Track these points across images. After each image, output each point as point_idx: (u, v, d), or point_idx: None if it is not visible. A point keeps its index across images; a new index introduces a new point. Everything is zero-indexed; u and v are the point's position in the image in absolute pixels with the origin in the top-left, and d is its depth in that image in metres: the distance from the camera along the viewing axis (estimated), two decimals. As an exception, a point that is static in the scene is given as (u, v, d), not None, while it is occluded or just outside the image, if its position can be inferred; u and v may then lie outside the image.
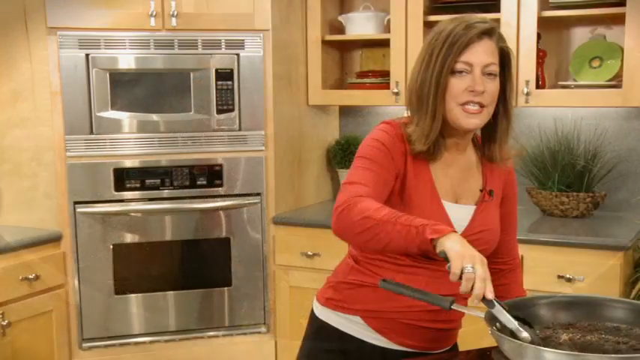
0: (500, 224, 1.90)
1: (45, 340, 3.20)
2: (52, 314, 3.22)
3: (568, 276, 2.90)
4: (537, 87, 3.28)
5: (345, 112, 3.97)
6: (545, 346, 1.42)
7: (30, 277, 3.09)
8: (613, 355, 1.37)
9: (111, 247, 3.30)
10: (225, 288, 3.44)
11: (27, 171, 3.28)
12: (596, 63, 3.29)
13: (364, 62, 3.84)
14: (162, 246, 3.37)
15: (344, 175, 3.81)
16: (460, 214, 1.81)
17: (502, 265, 1.99)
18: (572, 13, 3.18)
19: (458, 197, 1.84)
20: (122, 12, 3.22)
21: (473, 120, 1.73)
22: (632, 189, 3.38)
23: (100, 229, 3.27)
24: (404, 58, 3.41)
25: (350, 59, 3.93)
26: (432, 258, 1.73)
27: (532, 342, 1.41)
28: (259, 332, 3.48)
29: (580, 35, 3.42)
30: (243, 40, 3.34)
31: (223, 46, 3.32)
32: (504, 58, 1.77)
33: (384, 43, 3.53)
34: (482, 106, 1.72)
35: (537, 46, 3.28)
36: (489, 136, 1.84)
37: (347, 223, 1.62)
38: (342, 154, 3.79)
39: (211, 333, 3.42)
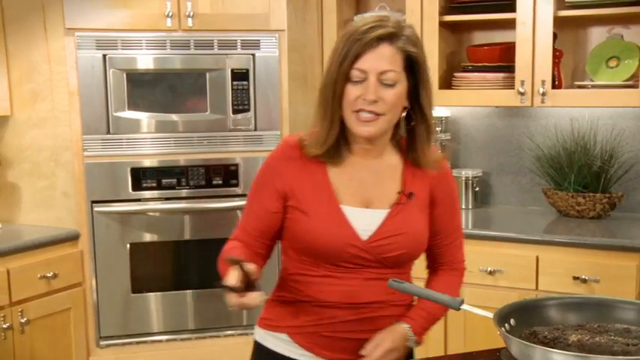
0: (431, 227, 1.85)
1: (63, 338, 3.24)
2: (70, 312, 3.25)
3: (583, 277, 2.88)
4: (554, 87, 3.26)
5: (362, 112, 3.96)
6: (553, 347, 1.42)
7: (48, 275, 3.12)
8: (621, 357, 1.37)
9: (128, 246, 3.32)
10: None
11: (46, 170, 3.31)
12: (613, 63, 3.27)
13: (380, 62, 3.84)
14: (178, 245, 3.39)
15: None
16: (369, 218, 1.76)
17: (445, 267, 1.93)
18: (589, 12, 3.16)
19: (369, 202, 1.78)
20: (139, 13, 3.24)
21: (366, 128, 1.70)
22: (649, 190, 3.36)
23: (117, 228, 3.30)
24: (419, 58, 3.40)
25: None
26: (355, 263, 1.74)
27: None
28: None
29: (597, 35, 3.40)
30: (258, 40, 3.35)
31: (239, 47, 3.34)
32: (413, 63, 1.71)
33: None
34: (377, 114, 1.68)
35: (553, 45, 3.26)
36: (410, 143, 1.80)
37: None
38: (357, 154, 3.78)
39: (228, 332, 3.43)
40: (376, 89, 1.66)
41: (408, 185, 1.81)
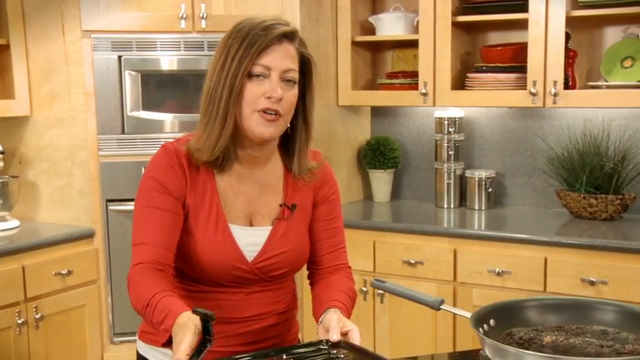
0: (316, 234, 1.80)
1: (77, 334, 3.30)
2: (84, 309, 3.32)
3: (591, 279, 2.86)
4: (567, 87, 3.24)
5: (377, 112, 3.98)
6: (527, 349, 1.42)
7: (63, 272, 3.19)
8: (594, 359, 1.36)
9: (141, 244, 3.37)
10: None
11: (63, 169, 3.38)
12: (628, 63, 3.23)
13: (395, 63, 3.85)
14: (191, 244, 3.43)
15: (374, 175, 3.83)
16: (253, 237, 1.70)
17: (328, 270, 1.82)
18: (602, 12, 3.13)
19: (252, 217, 1.72)
20: (153, 15, 3.30)
21: (269, 129, 1.62)
22: (664, 191, 3.31)
23: (130, 226, 3.34)
24: (432, 59, 3.41)
25: (382, 60, 3.94)
26: (239, 282, 1.68)
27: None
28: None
29: (612, 35, 3.37)
30: (271, 41, 3.37)
31: (252, 48, 3.36)
32: (304, 66, 1.68)
33: (415, 44, 3.52)
34: (278, 114, 1.61)
35: (567, 46, 3.24)
36: (288, 149, 1.74)
37: (132, 304, 1.61)
38: (371, 154, 3.80)
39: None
40: (279, 87, 1.59)
41: (290, 196, 1.75)
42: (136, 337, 1.85)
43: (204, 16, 3.31)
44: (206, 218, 1.66)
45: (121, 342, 3.41)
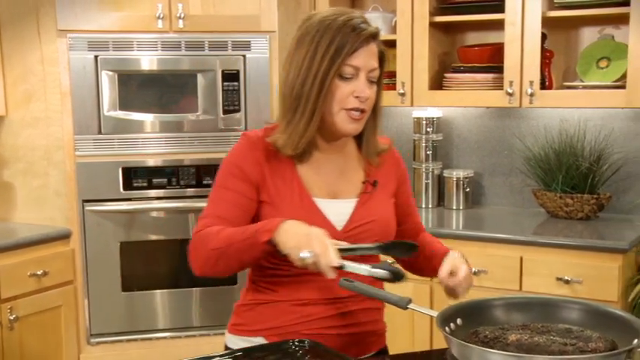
0: (400, 212, 1.89)
1: (54, 335, 3.28)
2: (60, 309, 3.30)
3: (566, 278, 2.87)
4: (544, 87, 3.26)
5: (356, 112, 3.97)
6: (492, 347, 1.42)
7: (38, 273, 3.17)
8: (556, 357, 1.37)
9: (118, 244, 3.36)
10: (231, 286, 3.48)
11: (39, 170, 3.36)
12: (603, 63, 3.25)
13: (374, 63, 3.85)
14: (168, 244, 3.43)
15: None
16: (340, 208, 1.76)
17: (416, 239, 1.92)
18: (577, 13, 3.15)
19: (336, 194, 1.78)
20: (130, 14, 3.28)
21: (354, 126, 1.71)
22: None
23: (107, 227, 3.34)
24: (410, 59, 3.41)
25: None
26: None
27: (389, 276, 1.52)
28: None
29: (589, 35, 3.38)
30: (249, 41, 3.38)
31: (230, 48, 3.37)
32: (381, 62, 1.74)
33: (394, 44, 3.52)
34: (363, 112, 1.70)
35: (544, 46, 3.26)
36: (357, 135, 1.81)
37: (202, 259, 1.65)
38: (350, 154, 3.80)
39: (216, 331, 3.46)
40: (367, 87, 1.67)
41: (372, 174, 1.83)
42: (225, 332, 1.90)
43: (182, 15, 3.30)
44: (290, 196, 1.73)
45: (98, 343, 3.40)
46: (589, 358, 1.36)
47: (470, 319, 1.55)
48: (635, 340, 1.39)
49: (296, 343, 1.51)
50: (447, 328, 1.50)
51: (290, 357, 1.46)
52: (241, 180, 1.72)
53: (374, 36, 1.68)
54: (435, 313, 1.53)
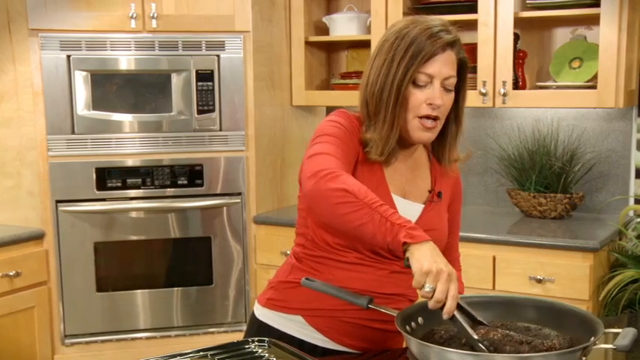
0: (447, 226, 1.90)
1: (27, 336, 3.27)
2: (34, 310, 3.28)
3: (539, 277, 2.89)
4: (517, 88, 3.27)
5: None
6: (449, 346, 1.43)
7: (10, 274, 3.15)
8: (514, 355, 1.38)
9: (92, 245, 3.35)
10: (207, 286, 3.48)
11: (11, 170, 3.34)
12: (576, 64, 3.27)
13: (350, 63, 3.86)
14: (142, 244, 3.42)
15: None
16: (408, 210, 1.77)
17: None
18: (549, 13, 3.16)
19: (407, 194, 1.81)
20: (103, 14, 3.27)
21: (427, 134, 1.72)
22: (612, 190, 3.35)
23: (81, 227, 3.33)
24: (384, 59, 3.41)
25: (337, 60, 3.95)
26: (380, 255, 1.73)
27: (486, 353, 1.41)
28: (241, 330, 3.51)
29: (562, 36, 3.40)
30: (223, 41, 3.37)
31: (204, 48, 3.36)
32: (462, 69, 1.75)
33: (369, 45, 3.53)
34: (437, 120, 1.71)
35: (516, 46, 3.27)
36: (439, 140, 1.82)
37: (325, 191, 1.56)
38: (326, 154, 3.80)
39: (192, 331, 3.46)
40: (441, 94, 1.68)
41: (438, 184, 1.86)
42: (256, 304, 1.91)
43: (155, 15, 3.29)
44: (372, 181, 1.74)
45: (72, 344, 3.38)
46: (545, 356, 1.36)
47: (431, 318, 1.55)
48: (592, 338, 1.40)
49: (256, 343, 1.51)
50: (407, 327, 1.50)
51: (249, 357, 1.45)
52: (351, 138, 1.72)
53: (451, 44, 1.69)
54: (394, 313, 1.53)
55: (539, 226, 3.18)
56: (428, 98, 1.67)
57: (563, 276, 2.86)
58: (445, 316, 1.43)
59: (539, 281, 2.89)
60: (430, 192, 1.85)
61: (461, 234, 3.00)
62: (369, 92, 1.73)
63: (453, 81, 1.70)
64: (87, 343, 3.39)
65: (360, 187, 1.56)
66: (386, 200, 1.74)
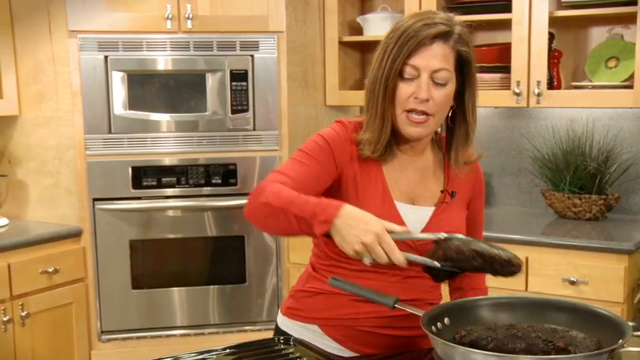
0: (467, 225, 1.86)
1: (65, 332, 3.33)
2: (72, 306, 3.35)
3: (572, 279, 2.86)
4: (552, 88, 3.25)
5: (366, 112, 3.98)
6: (475, 347, 1.43)
7: (49, 270, 3.22)
8: (540, 357, 1.38)
9: (128, 242, 3.40)
10: (240, 285, 3.51)
11: (51, 168, 3.41)
12: (612, 63, 3.23)
13: (384, 63, 3.86)
14: (177, 243, 3.46)
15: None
16: (417, 215, 1.76)
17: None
18: (585, 12, 3.13)
19: (414, 199, 1.78)
20: (139, 15, 3.32)
21: (416, 129, 1.68)
22: (649, 191, 3.31)
23: (117, 225, 3.39)
24: (418, 59, 3.40)
25: (371, 60, 3.93)
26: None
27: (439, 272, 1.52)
28: (272, 329, 3.53)
29: (597, 35, 3.36)
30: (257, 41, 3.40)
31: (238, 48, 3.39)
32: (464, 63, 1.69)
33: (403, 44, 3.53)
34: (427, 114, 1.66)
35: (551, 46, 3.24)
36: (448, 141, 1.81)
37: (253, 208, 1.61)
38: (360, 154, 3.81)
39: (225, 329, 3.50)
40: (428, 88, 1.63)
41: (451, 183, 1.82)
42: (278, 313, 1.94)
43: (190, 16, 3.33)
44: (372, 195, 1.73)
45: (109, 340, 3.44)
46: (571, 358, 1.36)
47: (457, 319, 1.56)
48: (620, 341, 1.39)
49: (282, 340, 1.53)
50: (433, 328, 1.50)
51: (276, 354, 1.47)
52: (325, 151, 1.71)
53: (441, 36, 1.64)
54: (420, 313, 1.53)
55: (573, 228, 3.15)
56: (414, 92, 1.64)
57: (597, 278, 2.83)
58: (401, 266, 1.47)
59: (573, 283, 2.86)
60: (442, 192, 1.81)
61: (493, 235, 3.05)
62: (366, 88, 1.73)
63: (445, 74, 1.65)
64: (123, 339, 3.45)
65: (279, 193, 1.57)
66: (390, 210, 1.73)
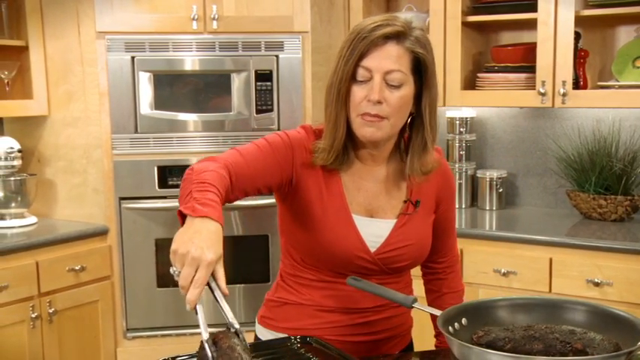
0: (438, 229, 1.83)
1: (91, 329, 3.38)
2: (98, 304, 3.39)
3: (597, 280, 2.84)
4: (578, 87, 3.22)
5: (391, 112, 3.98)
6: (490, 348, 1.43)
7: (76, 268, 3.26)
8: (555, 358, 1.37)
9: (154, 241, 3.44)
10: (263, 284, 3.53)
11: (78, 168, 3.46)
12: (639, 63, 3.20)
13: (409, 63, 3.85)
14: (202, 241, 3.48)
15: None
16: (376, 229, 1.71)
17: (442, 264, 1.93)
18: (613, 11, 3.10)
19: (373, 212, 1.73)
20: (166, 16, 3.36)
21: (369, 129, 1.62)
22: (676, 193, 3.27)
23: (143, 224, 3.42)
24: (442, 59, 3.40)
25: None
26: (360, 273, 1.71)
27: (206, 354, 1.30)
28: (297, 328, 3.55)
29: (625, 34, 3.33)
30: (282, 42, 3.42)
31: (263, 48, 3.41)
32: (421, 66, 1.63)
33: (428, 44, 3.52)
34: (381, 117, 1.61)
35: (578, 45, 3.22)
36: (407, 149, 1.74)
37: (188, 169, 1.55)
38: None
39: (248, 328, 3.50)
40: (381, 90, 1.58)
41: (415, 193, 1.76)
42: (255, 322, 1.92)
43: (216, 17, 3.36)
44: (329, 207, 1.69)
45: (134, 337, 3.48)
46: (589, 359, 1.35)
47: (474, 319, 1.56)
48: (639, 343, 1.38)
49: (298, 339, 1.54)
50: (450, 328, 1.51)
51: (292, 354, 1.49)
52: (286, 151, 1.66)
53: (393, 36, 1.58)
54: (437, 313, 1.54)
55: (598, 229, 3.12)
56: (367, 95, 1.59)
57: (622, 280, 2.81)
58: (187, 307, 1.32)
59: (597, 284, 2.84)
60: (405, 202, 1.76)
61: (518, 235, 3.04)
62: (325, 94, 1.68)
63: (398, 76, 1.59)
64: (148, 337, 3.48)
65: (202, 169, 1.48)
66: (348, 224, 1.69)
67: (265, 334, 1.85)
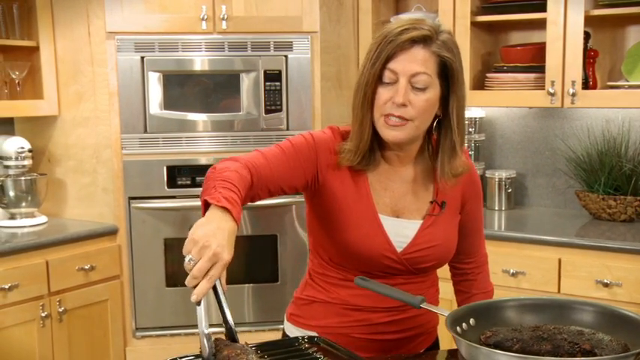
0: (465, 229, 1.85)
1: (100, 328, 3.39)
2: (107, 303, 3.41)
3: (606, 281, 2.83)
4: (587, 87, 3.22)
5: (400, 112, 3.98)
6: (498, 349, 1.43)
7: (86, 267, 3.28)
8: (565, 359, 1.37)
9: (163, 241, 3.45)
10: (272, 284, 3.54)
11: (88, 167, 3.48)
12: (649, 63, 3.19)
13: (418, 63, 3.85)
14: (211, 241, 3.49)
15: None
16: (402, 229, 1.74)
17: (470, 264, 1.95)
18: (622, 11, 3.09)
19: (399, 212, 1.75)
20: (175, 16, 3.37)
21: (393, 132, 1.64)
22: (686, 193, 3.25)
23: (152, 223, 3.43)
24: (451, 59, 3.40)
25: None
26: (386, 272, 1.74)
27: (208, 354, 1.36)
28: (305, 327, 3.56)
29: (635, 34, 3.32)
30: (291, 42, 3.42)
31: (272, 48, 3.42)
32: (447, 70, 1.64)
33: (436, 44, 3.52)
34: (405, 119, 1.63)
35: (587, 45, 3.21)
36: (435, 151, 1.76)
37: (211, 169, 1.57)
38: (393, 154, 3.81)
39: (257, 327, 3.52)
40: (406, 92, 1.60)
41: (441, 194, 1.78)
42: (284, 319, 1.93)
43: (225, 17, 3.37)
44: (356, 207, 1.71)
45: (143, 337, 3.49)
46: (597, 360, 1.35)
47: (482, 319, 1.56)
48: (647, 344, 1.38)
49: (306, 340, 1.54)
50: (457, 329, 1.51)
51: (301, 354, 1.49)
52: (310, 152, 1.69)
53: (420, 40, 1.61)
54: (445, 313, 1.54)
55: (607, 229, 3.12)
56: (391, 97, 1.61)
57: (631, 280, 2.80)
58: (193, 297, 1.35)
59: (606, 285, 2.83)
60: (432, 203, 1.78)
61: (526, 235, 3.04)
62: (353, 96, 1.70)
63: (424, 79, 1.61)
64: (157, 336, 3.50)
65: (223, 168, 1.51)
66: (374, 224, 1.71)
67: (293, 332, 1.87)
